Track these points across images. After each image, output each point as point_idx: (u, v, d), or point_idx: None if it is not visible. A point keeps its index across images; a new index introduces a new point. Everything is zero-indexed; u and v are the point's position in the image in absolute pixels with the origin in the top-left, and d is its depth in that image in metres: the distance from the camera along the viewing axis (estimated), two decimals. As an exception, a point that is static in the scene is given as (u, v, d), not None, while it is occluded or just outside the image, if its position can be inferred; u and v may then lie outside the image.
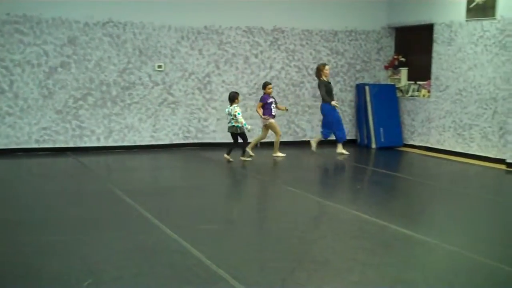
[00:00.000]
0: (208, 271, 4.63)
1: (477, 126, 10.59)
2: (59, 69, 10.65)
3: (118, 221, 6.20)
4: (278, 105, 10.77)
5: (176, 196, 7.54)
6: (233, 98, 9.91)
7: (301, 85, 12.32)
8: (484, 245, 5.52)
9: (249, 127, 9.83)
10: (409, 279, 4.60)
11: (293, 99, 12.26)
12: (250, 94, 11.94)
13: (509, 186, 9.16)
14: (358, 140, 12.64)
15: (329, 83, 11.09)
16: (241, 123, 9.76)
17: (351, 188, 8.64)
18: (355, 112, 12.79)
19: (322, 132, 11.22)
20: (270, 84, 10.63)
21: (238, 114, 9.81)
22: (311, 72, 12.32)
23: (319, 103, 11.77)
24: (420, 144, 11.89)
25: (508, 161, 9.72)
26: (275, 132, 10.50)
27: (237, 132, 9.93)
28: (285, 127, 12.20)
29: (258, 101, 10.73)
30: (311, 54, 12.37)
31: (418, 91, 12.23)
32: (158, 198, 7.35)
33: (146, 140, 11.34)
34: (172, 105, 11.43)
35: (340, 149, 11.02)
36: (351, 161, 10.82)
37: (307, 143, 11.47)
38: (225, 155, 9.91)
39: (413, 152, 11.48)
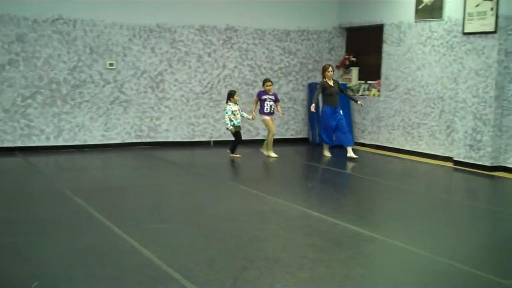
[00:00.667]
0: (158, 271, 4.61)
1: (425, 124, 10.85)
2: (7, 67, 10.40)
3: (67, 222, 6.11)
4: (278, 105, 10.68)
5: (128, 196, 7.48)
6: (228, 96, 10.38)
7: (254, 84, 12.37)
8: (431, 241, 5.66)
9: (230, 127, 10.25)
10: (357, 276, 4.68)
11: (246, 98, 12.28)
12: (203, 93, 11.92)
13: (456, 183, 9.43)
14: (310, 139, 12.78)
15: (331, 85, 10.38)
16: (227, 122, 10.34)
17: (302, 186, 8.73)
18: (308, 111, 12.91)
19: (322, 138, 10.88)
20: (270, 81, 10.57)
21: (226, 113, 10.30)
22: (264, 71, 12.39)
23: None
24: (371, 143, 12.11)
25: (455, 159, 10.00)
26: (268, 130, 10.52)
27: (238, 130, 10.38)
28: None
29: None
30: (264, 53, 12.44)
31: (368, 90, 12.45)
32: (109, 198, 7.27)
33: (97, 139, 11.18)
34: (124, 104, 11.31)
35: (350, 153, 10.32)
36: (303, 160, 10.92)
37: (261, 142, 11.51)
38: (231, 155, 10.38)
39: (364, 150, 11.67)
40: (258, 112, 10.55)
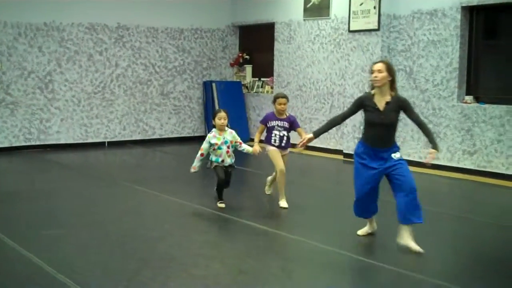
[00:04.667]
0: (48, 279, 4.49)
1: (317, 119, 11.22)
2: None
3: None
4: (301, 132, 6.99)
5: (17, 201, 7.17)
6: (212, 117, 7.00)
7: (149, 83, 12.25)
8: (322, 232, 5.89)
9: (193, 168, 6.95)
10: (252, 269, 4.79)
11: (140, 97, 12.15)
12: (95, 93, 11.65)
13: (346, 175, 9.81)
14: (207, 137, 12.84)
15: (377, 108, 5.32)
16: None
17: (198, 183, 8.77)
18: (203, 109, 12.96)
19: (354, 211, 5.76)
20: (283, 97, 7.03)
21: (204, 145, 6.83)
22: (158, 69, 12.30)
23: (167, 100, 11.86)
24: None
25: (345, 151, 10.42)
26: (275, 165, 7.04)
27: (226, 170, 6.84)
28: (133, 126, 12.07)
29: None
30: (157, 51, 12.34)
31: (262, 87, 12.69)
32: (-4, 205, 6.96)
33: (-18, 143, 10.65)
34: (11, 106, 10.83)
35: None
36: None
37: (156, 141, 11.44)
38: (219, 204, 6.80)
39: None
40: (256, 141, 7.13)
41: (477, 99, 9.11)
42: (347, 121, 10.22)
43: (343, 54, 10.64)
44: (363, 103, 5.36)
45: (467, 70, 9.24)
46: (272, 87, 12.33)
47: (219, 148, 6.73)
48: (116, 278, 4.51)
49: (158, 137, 12.34)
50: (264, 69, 12.65)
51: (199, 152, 6.79)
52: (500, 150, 8.64)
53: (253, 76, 13.03)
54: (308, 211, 6.87)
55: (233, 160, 6.87)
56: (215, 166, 6.76)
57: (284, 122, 7.03)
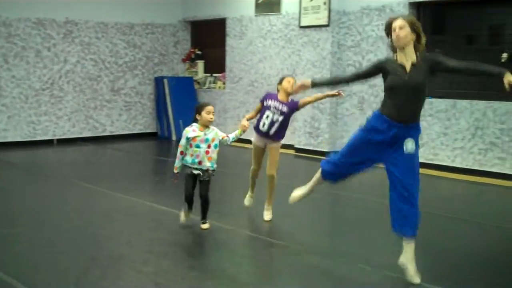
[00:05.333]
0: (-6, 279, 4.40)
1: (269, 115, 11.28)
2: None
3: None
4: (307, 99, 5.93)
5: (-39, 202, 6.99)
6: (196, 111, 5.62)
7: (99, 79, 12.07)
8: (275, 227, 5.94)
9: (175, 168, 5.68)
10: (202, 266, 4.80)
11: (90, 93, 11.96)
12: (43, 90, 11.41)
13: (298, 169, 9.91)
14: (159, 133, 12.75)
15: (404, 68, 4.42)
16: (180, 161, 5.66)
17: (149, 181, 8.71)
18: (155, 105, 12.86)
19: (326, 164, 4.86)
20: (290, 76, 6.00)
21: (181, 141, 5.60)
22: (108, 65, 12.13)
23: (118, 97, 11.77)
24: (219, 134, 12.34)
25: (296, 146, 10.52)
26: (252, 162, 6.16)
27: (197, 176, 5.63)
28: (83, 123, 11.88)
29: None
30: (107, 47, 12.17)
31: (214, 83, 12.67)
32: None
33: None
34: (-45, 103, 10.53)
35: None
36: (151, 154, 10.87)
37: (106, 138, 11.29)
38: (182, 217, 5.83)
39: (212, 142, 11.85)
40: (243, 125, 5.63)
41: (424, 94, 9.31)
42: (298, 116, 10.39)
43: (294, 50, 10.71)
44: (383, 66, 4.43)
45: (414, 65, 9.43)
46: (224, 83, 12.33)
47: (197, 146, 5.49)
48: (64, 278, 4.45)
49: (109, 134, 12.18)
50: (216, 64, 12.63)
51: (178, 150, 5.59)
52: (446, 143, 8.87)
53: (205, 72, 13.00)
54: (258, 206, 6.90)
55: (214, 166, 5.62)
56: (186, 173, 5.52)
57: (283, 106, 5.76)
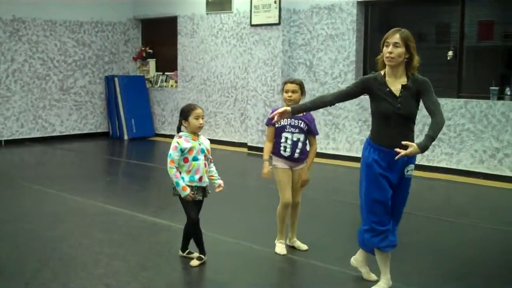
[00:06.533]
0: None
1: (221, 113, 11.29)
2: None
3: None
4: (313, 141, 5.05)
5: None
6: (180, 115, 4.67)
7: (47, 78, 11.84)
8: (228, 225, 5.96)
9: (184, 192, 4.59)
10: (154, 265, 4.78)
11: (39, 93, 11.72)
12: (-11, 89, 11.13)
13: (251, 167, 9.96)
14: (111, 133, 12.59)
15: (392, 92, 4.13)
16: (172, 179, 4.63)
17: (100, 181, 8.60)
18: (106, 104, 12.69)
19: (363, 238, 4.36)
20: (292, 82, 4.94)
21: (169, 156, 4.59)
22: (57, 64, 11.91)
23: (67, 96, 11.55)
24: (171, 133, 12.27)
25: (249, 144, 10.56)
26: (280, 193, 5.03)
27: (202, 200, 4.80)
28: (31, 123, 11.63)
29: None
30: (56, 45, 11.94)
31: (166, 81, 12.60)
32: None
33: None
34: None
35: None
36: (103, 154, 10.72)
37: (56, 139, 11.06)
38: (182, 253, 4.94)
39: (165, 141, 11.79)
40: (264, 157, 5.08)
41: (374, 91, 9.48)
42: (251, 114, 10.45)
43: (246, 48, 10.75)
44: (370, 86, 4.06)
45: (363, 63, 9.61)
46: (176, 81, 12.27)
47: (195, 158, 4.56)
48: (13, 282, 4.37)
49: (59, 134, 11.96)
50: (168, 63, 12.56)
51: (172, 167, 4.54)
52: (395, 140, 9.05)
53: (156, 71, 12.90)
54: (215, 205, 6.91)
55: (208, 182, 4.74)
56: (188, 195, 4.55)
57: (300, 121, 4.91)
